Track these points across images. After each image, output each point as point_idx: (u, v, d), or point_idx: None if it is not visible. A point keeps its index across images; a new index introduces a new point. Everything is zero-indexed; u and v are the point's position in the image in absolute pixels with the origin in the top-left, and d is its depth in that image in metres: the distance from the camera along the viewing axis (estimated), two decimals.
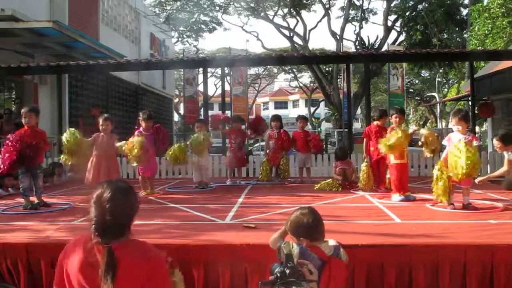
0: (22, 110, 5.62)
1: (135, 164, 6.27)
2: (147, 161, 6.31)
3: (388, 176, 6.28)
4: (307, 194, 6.46)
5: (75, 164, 5.97)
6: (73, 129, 6.00)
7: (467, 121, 5.15)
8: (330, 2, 25.42)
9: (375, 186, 6.67)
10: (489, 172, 10.24)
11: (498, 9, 14.55)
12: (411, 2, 23.51)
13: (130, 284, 2.00)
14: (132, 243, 2.09)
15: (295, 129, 8.50)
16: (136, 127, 6.85)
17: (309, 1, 25.97)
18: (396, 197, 5.75)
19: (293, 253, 2.56)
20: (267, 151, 8.15)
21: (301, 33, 25.19)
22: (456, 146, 4.73)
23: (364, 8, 25.81)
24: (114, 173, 6.09)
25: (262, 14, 26.39)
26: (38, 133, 5.54)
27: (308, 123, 20.29)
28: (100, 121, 6.22)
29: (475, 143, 4.84)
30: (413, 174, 8.92)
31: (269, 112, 56.48)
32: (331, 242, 2.78)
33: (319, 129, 31.99)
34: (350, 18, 25.11)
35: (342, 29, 23.68)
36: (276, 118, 8.34)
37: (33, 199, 5.61)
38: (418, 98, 41.30)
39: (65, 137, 5.81)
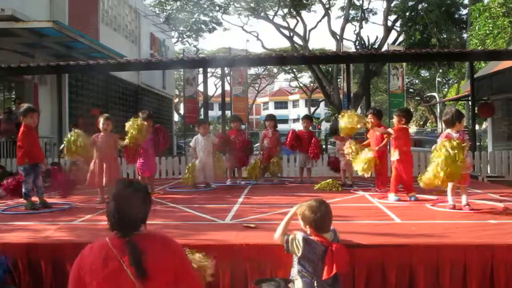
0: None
1: (125, 143, 6.14)
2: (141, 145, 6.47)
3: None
4: (307, 194, 6.43)
5: (74, 163, 5.91)
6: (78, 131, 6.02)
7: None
8: (330, 2, 25.44)
9: (375, 186, 6.66)
10: (489, 171, 10.24)
11: (499, 9, 14.54)
12: (411, 2, 23.50)
13: (162, 271, 2.06)
14: (150, 235, 2.16)
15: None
16: None
17: (309, 1, 25.97)
18: (391, 197, 5.72)
19: (298, 240, 2.79)
20: (261, 151, 8.04)
21: (301, 33, 25.22)
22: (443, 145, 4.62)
23: (364, 8, 25.82)
24: (115, 173, 6.06)
25: (262, 14, 26.40)
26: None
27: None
28: (101, 120, 6.12)
29: (466, 136, 4.86)
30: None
31: (269, 112, 56.54)
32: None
33: (318, 129, 31.95)
34: (350, 18, 25.11)
35: (342, 29, 23.68)
36: (271, 117, 8.30)
37: (35, 199, 5.59)
38: (418, 98, 41.29)
39: (71, 135, 5.86)
